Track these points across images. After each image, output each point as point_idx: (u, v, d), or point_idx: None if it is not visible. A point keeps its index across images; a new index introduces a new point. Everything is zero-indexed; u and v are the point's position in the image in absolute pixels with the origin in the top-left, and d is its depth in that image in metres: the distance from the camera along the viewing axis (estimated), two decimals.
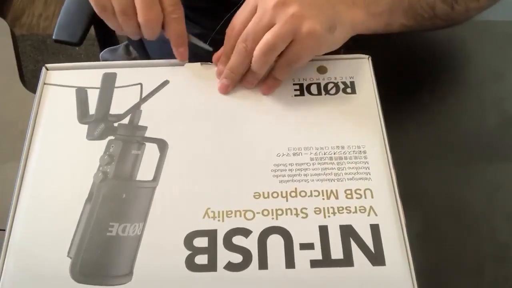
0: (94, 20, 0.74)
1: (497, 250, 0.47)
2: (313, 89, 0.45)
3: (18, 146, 0.54)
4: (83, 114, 0.43)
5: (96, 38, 0.85)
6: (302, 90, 0.45)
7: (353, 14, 0.44)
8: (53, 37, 0.71)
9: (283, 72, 0.43)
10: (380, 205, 0.38)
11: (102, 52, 0.85)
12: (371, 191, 0.39)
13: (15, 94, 0.62)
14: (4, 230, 0.38)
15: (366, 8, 0.45)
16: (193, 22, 0.66)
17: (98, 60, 0.86)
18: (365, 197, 0.39)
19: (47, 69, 0.46)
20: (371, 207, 0.38)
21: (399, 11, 0.47)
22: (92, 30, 0.77)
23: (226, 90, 0.44)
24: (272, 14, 0.40)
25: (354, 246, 0.37)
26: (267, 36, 0.40)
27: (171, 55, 0.47)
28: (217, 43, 0.60)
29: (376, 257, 0.36)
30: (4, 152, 0.55)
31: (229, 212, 0.38)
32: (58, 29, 0.72)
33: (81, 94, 0.44)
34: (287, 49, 0.41)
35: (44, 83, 0.45)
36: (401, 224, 0.38)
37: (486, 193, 0.50)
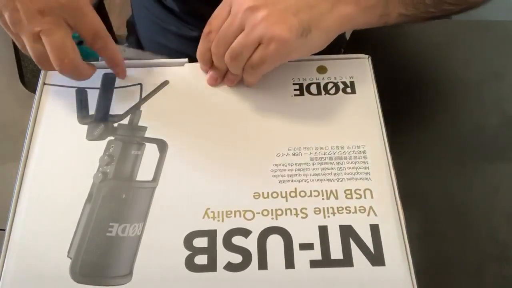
0: None
1: (497, 250, 0.47)
2: (313, 89, 0.45)
3: (18, 146, 0.54)
4: (83, 115, 0.43)
5: None
6: (302, 89, 0.45)
7: (339, 12, 0.42)
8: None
9: (249, 74, 0.43)
10: (380, 205, 0.38)
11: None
12: (371, 191, 0.39)
13: (15, 94, 0.62)
14: (4, 230, 0.38)
15: (355, 3, 0.42)
16: (192, 25, 0.66)
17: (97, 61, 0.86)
18: (365, 197, 0.39)
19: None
20: (371, 207, 0.38)
21: (398, 2, 0.44)
22: None
23: (215, 82, 0.45)
24: (242, 18, 0.40)
25: (353, 246, 0.37)
26: (234, 44, 0.41)
27: (170, 57, 0.47)
28: None
29: (376, 258, 0.36)
30: (4, 152, 0.55)
31: (229, 212, 0.38)
32: None
33: (81, 95, 0.44)
34: (253, 53, 0.41)
35: (44, 83, 0.45)
36: (401, 224, 0.38)
37: (486, 193, 0.50)
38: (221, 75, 0.45)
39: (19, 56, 0.69)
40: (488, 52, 0.62)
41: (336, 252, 0.36)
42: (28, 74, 1.36)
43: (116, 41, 0.88)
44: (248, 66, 0.42)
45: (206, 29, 0.44)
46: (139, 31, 0.74)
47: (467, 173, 0.52)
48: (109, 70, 0.46)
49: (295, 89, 0.45)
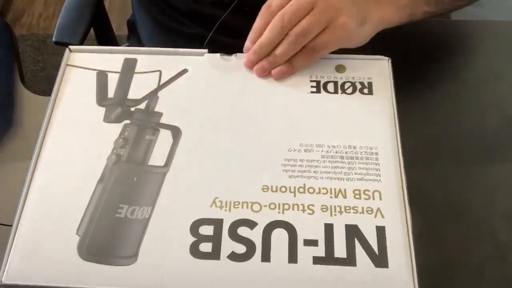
0: (94, 21, 0.75)
1: (497, 250, 0.47)
2: (330, 87, 0.45)
3: (18, 146, 0.55)
4: (102, 97, 0.44)
5: (96, 39, 0.86)
6: (319, 87, 0.45)
7: (381, 11, 0.46)
8: (53, 39, 0.71)
9: (304, 59, 0.44)
10: (388, 208, 0.38)
11: None
12: (380, 193, 0.39)
13: (15, 94, 0.63)
14: (9, 225, 0.38)
15: (391, 3, 0.47)
16: (192, 23, 0.66)
17: None
18: (373, 199, 0.39)
19: (70, 51, 0.47)
20: (378, 209, 0.38)
21: (421, 0, 0.50)
22: (92, 30, 0.78)
23: (252, 65, 0.45)
24: None
25: (358, 247, 0.37)
26: (305, 21, 0.41)
27: None
28: (215, 43, 0.60)
29: (380, 259, 0.36)
30: (4, 152, 0.56)
31: (237, 203, 0.38)
32: (58, 31, 0.72)
33: (102, 78, 0.45)
34: (317, 36, 0.42)
35: (67, 64, 0.46)
36: (408, 229, 0.37)
37: (486, 193, 0.50)
38: (260, 58, 0.44)
39: (19, 56, 0.70)
40: (488, 52, 0.62)
41: (340, 251, 0.36)
42: (28, 74, 1.38)
43: (116, 41, 0.88)
44: (309, 48, 0.42)
45: (265, 6, 0.44)
46: (139, 30, 0.74)
47: (467, 173, 0.51)
48: (130, 55, 0.46)
49: (312, 86, 0.45)
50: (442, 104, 0.57)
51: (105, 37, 0.81)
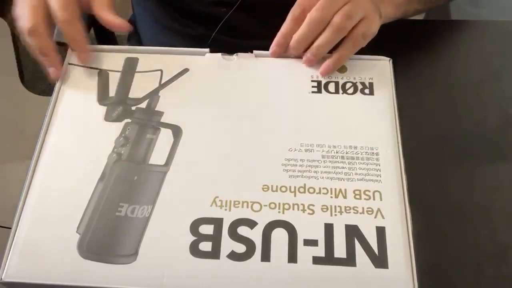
0: (94, 21, 0.75)
1: (497, 250, 0.47)
2: (331, 87, 0.45)
3: (18, 146, 0.55)
4: (103, 96, 0.44)
5: (96, 40, 0.86)
6: (320, 87, 0.45)
7: (384, 7, 0.49)
8: (53, 39, 0.71)
9: (348, 48, 0.44)
10: (388, 208, 0.38)
11: None
12: (380, 193, 0.39)
13: (15, 94, 0.63)
14: (6, 227, 0.38)
15: (391, 1, 0.51)
16: (194, 23, 0.66)
17: None
18: (374, 199, 0.39)
19: (72, 50, 0.47)
20: (378, 209, 0.38)
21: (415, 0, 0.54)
22: (92, 30, 0.77)
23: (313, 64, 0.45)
24: None
25: (358, 247, 0.37)
26: (347, 6, 0.42)
27: None
28: (218, 42, 0.60)
29: (379, 260, 0.36)
30: (4, 152, 0.56)
31: (237, 202, 0.38)
32: (58, 31, 0.73)
33: (103, 76, 0.45)
34: (360, 23, 0.44)
35: (68, 63, 0.46)
36: (408, 229, 0.37)
37: (486, 193, 0.50)
38: (318, 58, 0.45)
39: (19, 56, 0.70)
40: (488, 52, 0.62)
41: (340, 251, 0.36)
42: (28, 74, 1.37)
43: (116, 41, 0.88)
44: (353, 37, 0.43)
45: (294, 9, 0.44)
46: (140, 30, 0.74)
47: (467, 173, 0.51)
48: (131, 54, 0.46)
49: (313, 86, 0.45)
50: (442, 104, 0.57)
51: (105, 37, 0.81)
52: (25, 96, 0.61)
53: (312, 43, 0.44)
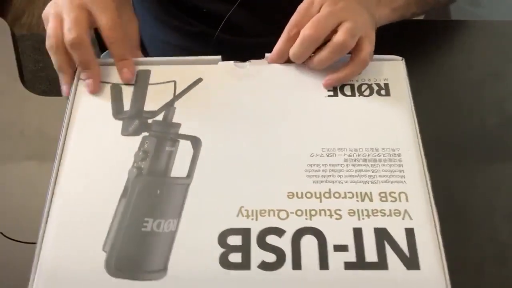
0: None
1: (497, 250, 0.47)
2: (347, 90, 0.45)
3: (18, 146, 0.55)
4: (118, 110, 0.43)
5: (97, 40, 0.85)
6: (336, 91, 0.45)
7: (379, 11, 0.49)
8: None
9: (364, 65, 0.45)
10: (415, 209, 0.38)
11: (102, 54, 0.85)
12: (406, 194, 0.39)
13: (15, 94, 0.62)
14: (16, 240, 0.37)
15: (389, 4, 0.51)
16: (195, 20, 0.66)
17: None
18: (400, 201, 0.38)
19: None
20: (406, 210, 0.38)
21: (414, 3, 0.54)
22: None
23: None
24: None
25: (388, 250, 0.36)
26: (349, 24, 0.42)
27: (173, 54, 0.47)
28: (222, 41, 0.60)
29: (411, 261, 0.36)
30: (4, 152, 0.55)
31: (263, 211, 0.38)
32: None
33: (116, 90, 0.45)
34: (365, 43, 0.44)
35: (79, 79, 0.46)
36: (436, 229, 0.37)
37: (486, 193, 0.50)
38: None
39: (19, 56, 0.69)
40: (488, 52, 0.62)
41: (371, 255, 0.36)
42: (28, 74, 1.37)
43: None
44: (368, 56, 0.43)
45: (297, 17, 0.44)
46: (141, 30, 0.74)
47: (467, 173, 0.51)
48: (143, 67, 0.46)
49: (329, 90, 0.45)
50: (442, 104, 0.57)
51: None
52: (25, 96, 0.61)
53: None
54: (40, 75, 1.40)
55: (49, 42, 0.44)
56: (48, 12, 0.45)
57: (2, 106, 0.62)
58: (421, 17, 0.74)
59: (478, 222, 0.48)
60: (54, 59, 0.44)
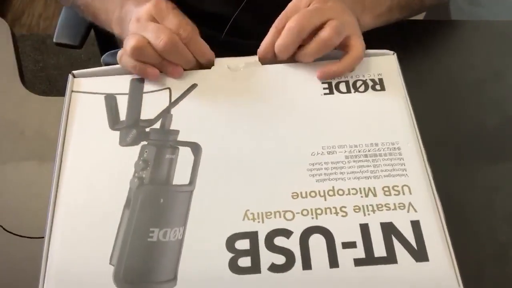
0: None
1: (497, 250, 0.47)
2: (342, 87, 0.45)
3: (18, 146, 0.54)
4: (114, 121, 0.43)
5: (97, 41, 0.84)
6: (331, 88, 0.45)
7: (364, 17, 0.50)
8: (54, 40, 0.70)
9: (358, 62, 0.45)
10: (419, 201, 0.38)
11: (103, 55, 0.84)
12: (408, 187, 0.39)
13: (15, 94, 0.62)
14: (18, 235, 0.37)
15: (372, 11, 0.52)
16: (198, 23, 0.66)
17: (99, 62, 0.85)
18: (403, 194, 0.39)
19: (74, 76, 0.46)
20: (410, 203, 0.38)
21: (397, 9, 0.55)
22: (92, 31, 0.76)
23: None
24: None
25: (396, 243, 0.36)
26: (335, 22, 0.43)
27: None
28: (226, 44, 0.59)
29: (419, 253, 0.36)
30: (4, 152, 0.54)
31: (269, 213, 0.38)
32: (59, 32, 0.71)
33: (111, 101, 0.44)
34: (356, 40, 0.45)
35: (72, 91, 0.45)
36: (441, 219, 0.38)
37: (486, 193, 0.51)
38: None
39: (19, 56, 0.69)
40: (488, 52, 0.63)
41: (379, 250, 0.36)
42: (28, 74, 1.36)
43: (118, 44, 0.87)
44: (362, 53, 0.44)
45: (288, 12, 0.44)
46: None
47: (467, 173, 0.52)
48: (136, 76, 0.46)
49: (324, 88, 0.45)
50: (442, 104, 0.57)
51: (105, 38, 0.79)
52: (25, 96, 0.60)
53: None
54: (40, 75, 1.38)
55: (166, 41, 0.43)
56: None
57: (2, 106, 0.61)
58: (421, 17, 0.75)
59: (478, 222, 0.49)
60: (175, 57, 0.44)
